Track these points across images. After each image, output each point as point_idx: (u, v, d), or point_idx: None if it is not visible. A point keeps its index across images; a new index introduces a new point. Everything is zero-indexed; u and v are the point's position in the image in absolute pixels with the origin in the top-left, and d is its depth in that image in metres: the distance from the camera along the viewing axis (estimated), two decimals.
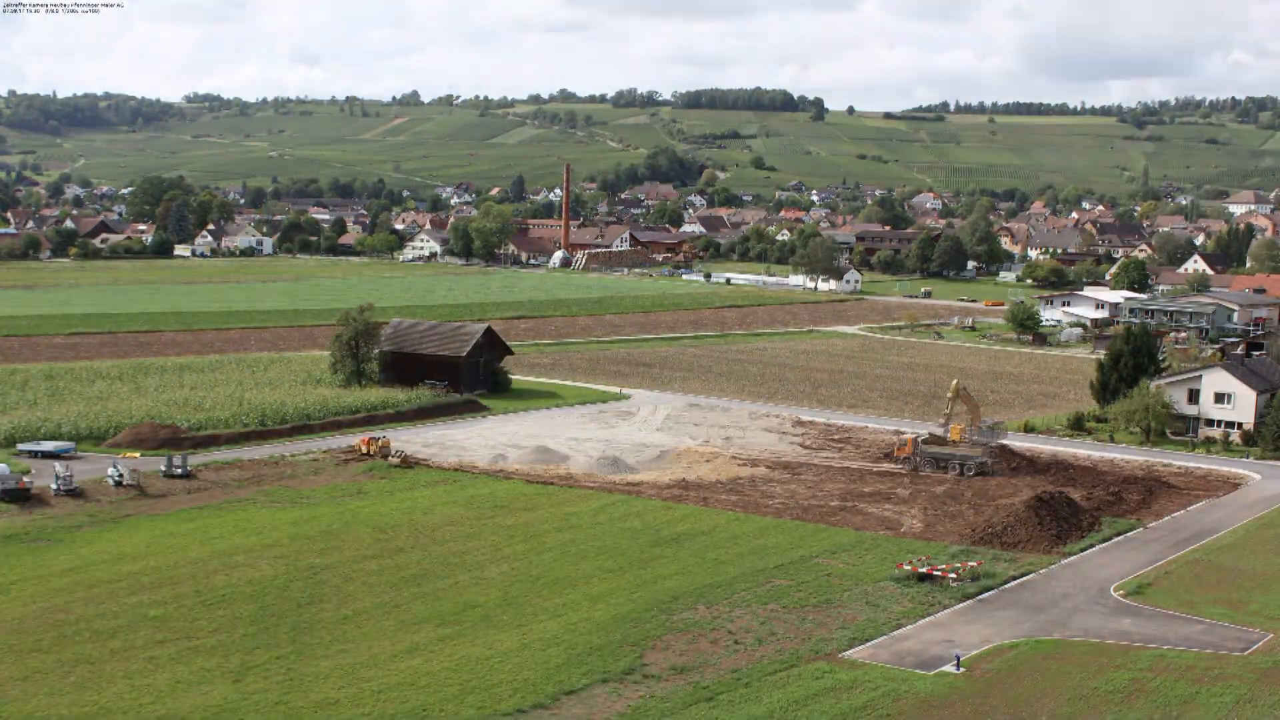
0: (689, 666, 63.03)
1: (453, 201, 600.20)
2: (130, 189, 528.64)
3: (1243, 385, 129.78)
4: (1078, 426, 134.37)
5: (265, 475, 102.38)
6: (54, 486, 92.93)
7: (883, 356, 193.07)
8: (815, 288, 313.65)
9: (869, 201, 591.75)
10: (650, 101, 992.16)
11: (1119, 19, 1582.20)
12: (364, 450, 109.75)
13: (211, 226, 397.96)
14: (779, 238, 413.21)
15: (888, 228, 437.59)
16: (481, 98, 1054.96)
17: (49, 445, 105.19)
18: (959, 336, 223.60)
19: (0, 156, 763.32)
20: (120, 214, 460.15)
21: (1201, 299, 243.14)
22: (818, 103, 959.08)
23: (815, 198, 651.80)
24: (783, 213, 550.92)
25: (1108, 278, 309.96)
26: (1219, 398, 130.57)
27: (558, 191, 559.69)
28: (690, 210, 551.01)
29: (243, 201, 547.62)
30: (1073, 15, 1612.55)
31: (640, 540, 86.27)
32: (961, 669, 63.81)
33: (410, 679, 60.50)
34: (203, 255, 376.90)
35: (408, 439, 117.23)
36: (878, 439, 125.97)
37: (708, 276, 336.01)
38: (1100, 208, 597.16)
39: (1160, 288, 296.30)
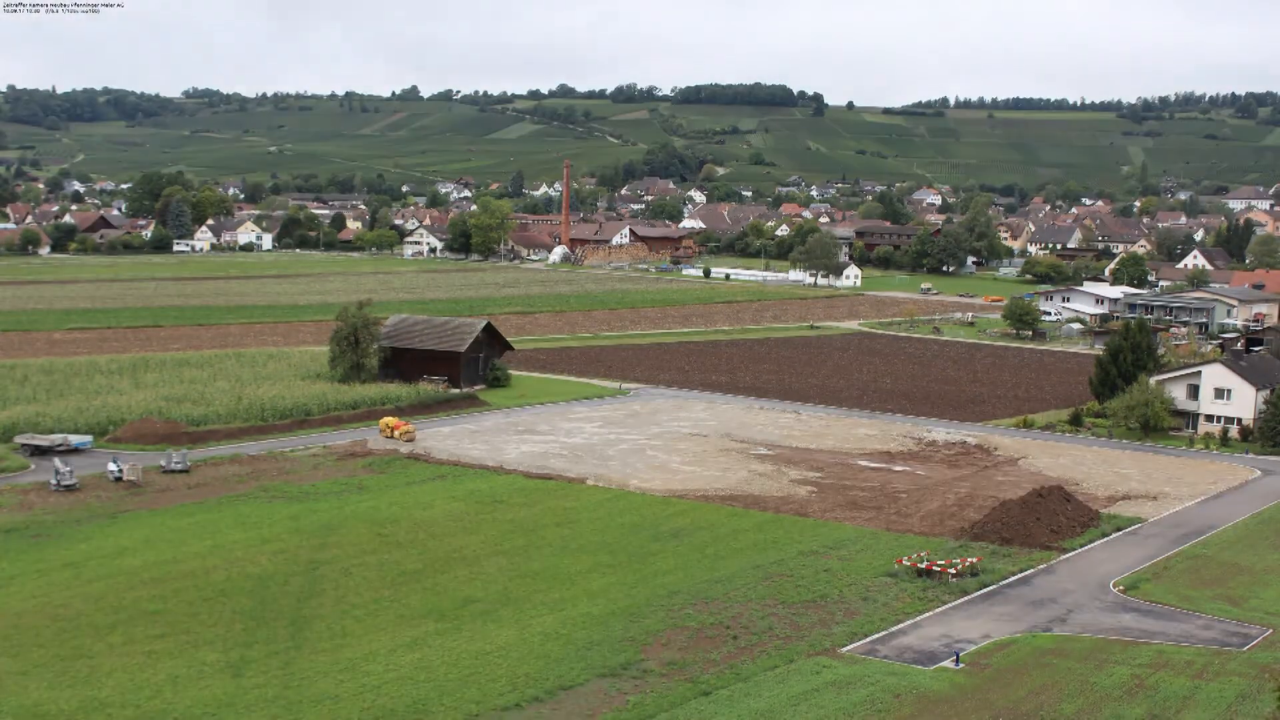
0: (687, 662, 62.95)
1: (452, 197, 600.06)
2: (129, 184, 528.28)
3: (1242, 381, 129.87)
4: (1076, 422, 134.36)
5: (264, 470, 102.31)
6: (53, 482, 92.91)
7: (881, 352, 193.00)
8: (815, 283, 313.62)
9: (868, 197, 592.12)
10: (649, 97, 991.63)
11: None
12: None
13: (211, 222, 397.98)
14: (778, 233, 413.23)
15: (887, 223, 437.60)
16: (480, 93, 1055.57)
17: (73, 440, 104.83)
18: (958, 332, 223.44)
19: None
20: (119, 209, 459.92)
21: (1201, 294, 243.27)
22: (817, 98, 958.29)
23: (815, 193, 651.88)
24: (782, 208, 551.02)
25: (1107, 273, 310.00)
26: (1218, 393, 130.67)
27: (557, 187, 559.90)
28: (689, 206, 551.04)
29: (242, 197, 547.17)
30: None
31: (639, 535, 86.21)
32: (961, 665, 63.76)
33: (409, 673, 60.48)
34: (202, 251, 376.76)
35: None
36: (862, 433, 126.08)
37: (707, 272, 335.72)
38: (1100, 203, 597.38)
39: (1160, 283, 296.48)
